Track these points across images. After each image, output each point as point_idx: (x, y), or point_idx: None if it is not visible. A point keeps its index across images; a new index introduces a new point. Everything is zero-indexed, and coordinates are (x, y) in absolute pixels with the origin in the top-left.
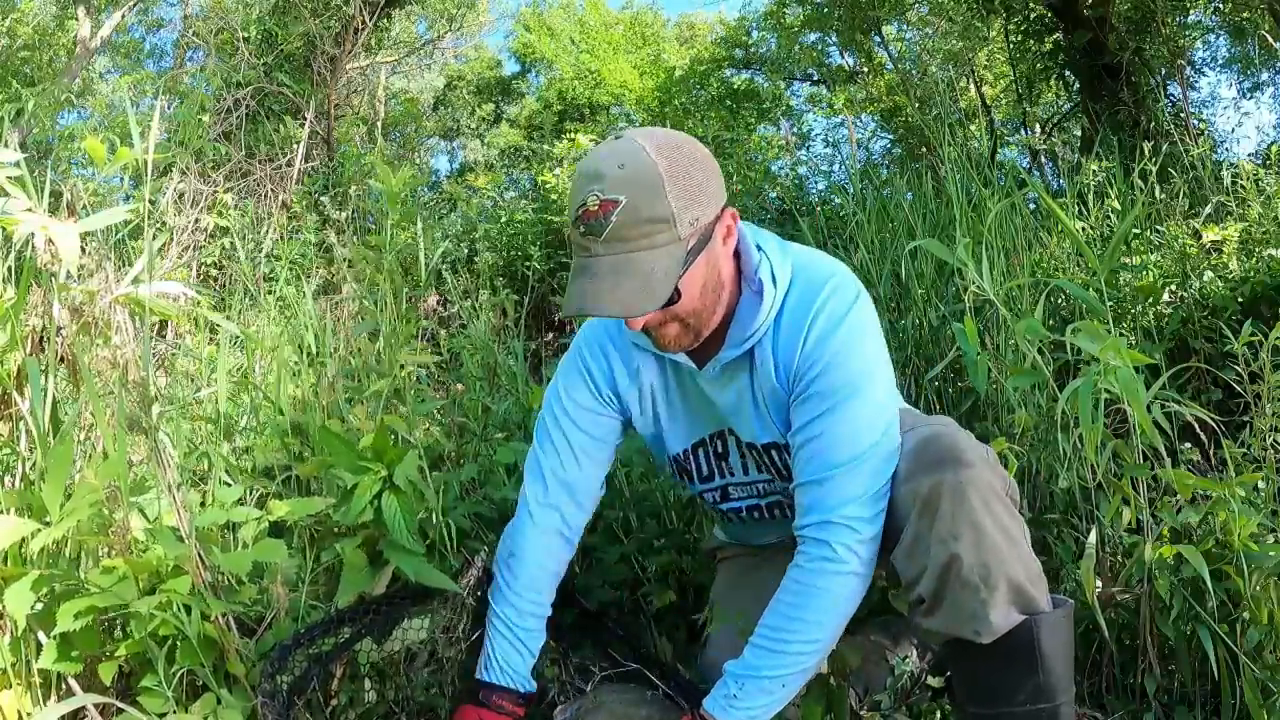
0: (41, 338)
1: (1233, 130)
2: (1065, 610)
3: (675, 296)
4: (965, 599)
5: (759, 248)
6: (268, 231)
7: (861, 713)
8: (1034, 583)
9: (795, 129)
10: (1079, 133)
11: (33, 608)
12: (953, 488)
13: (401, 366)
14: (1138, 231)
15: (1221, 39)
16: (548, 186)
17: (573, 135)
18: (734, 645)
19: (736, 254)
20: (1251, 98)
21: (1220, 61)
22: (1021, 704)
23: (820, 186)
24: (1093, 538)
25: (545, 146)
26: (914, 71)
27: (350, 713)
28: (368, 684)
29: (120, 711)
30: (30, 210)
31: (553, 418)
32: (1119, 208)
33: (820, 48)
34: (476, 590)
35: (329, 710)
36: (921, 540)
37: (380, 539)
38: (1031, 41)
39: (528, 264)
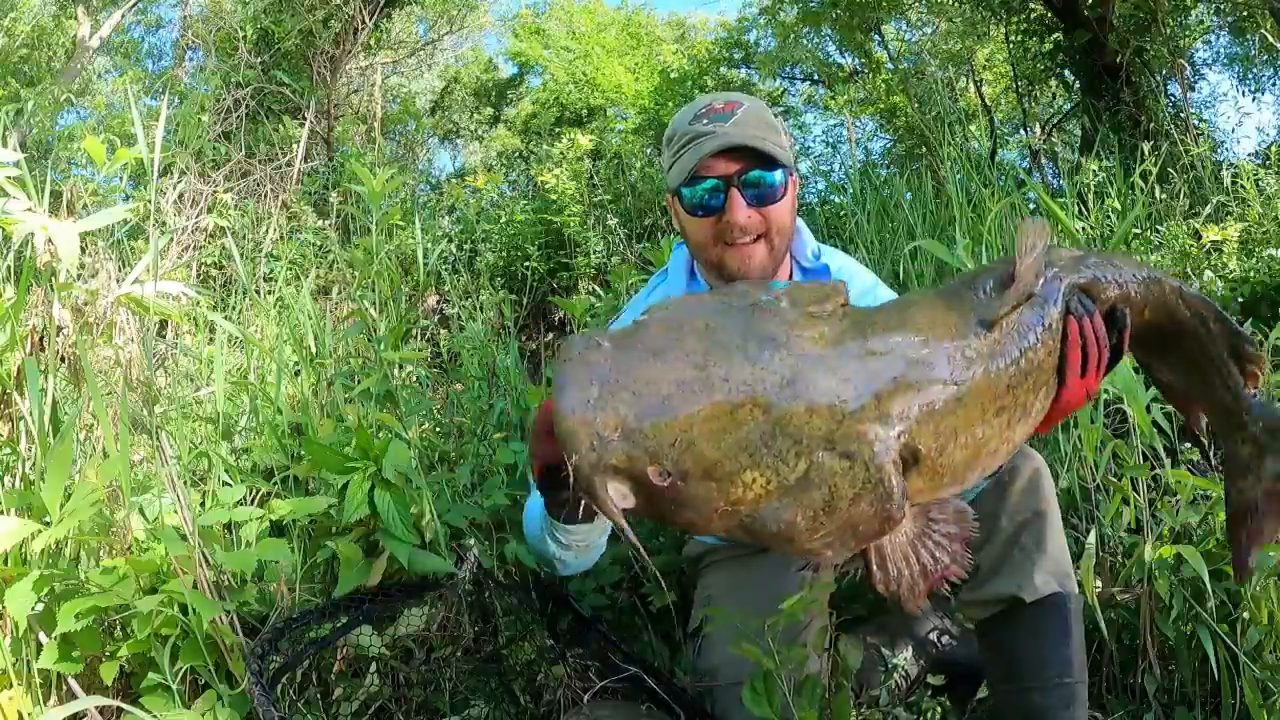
0: (41, 338)
1: (1233, 130)
2: (1082, 598)
3: (782, 190)
4: (1019, 560)
5: (820, 248)
6: (267, 231)
7: (860, 710)
8: (1070, 568)
9: (795, 125)
10: (1079, 133)
11: (33, 608)
12: (1024, 472)
13: (401, 366)
14: (1138, 231)
15: (1222, 38)
16: (546, 187)
17: (572, 136)
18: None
19: None
20: (1252, 98)
21: (1221, 61)
22: (1050, 678)
23: (820, 186)
24: (1092, 538)
25: (545, 147)
26: (914, 71)
27: (349, 705)
28: (372, 678)
29: (121, 711)
30: (30, 210)
31: None
32: (1119, 208)
33: (816, 41)
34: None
35: (329, 706)
36: (992, 516)
37: (375, 531)
38: (1031, 41)
39: (527, 264)
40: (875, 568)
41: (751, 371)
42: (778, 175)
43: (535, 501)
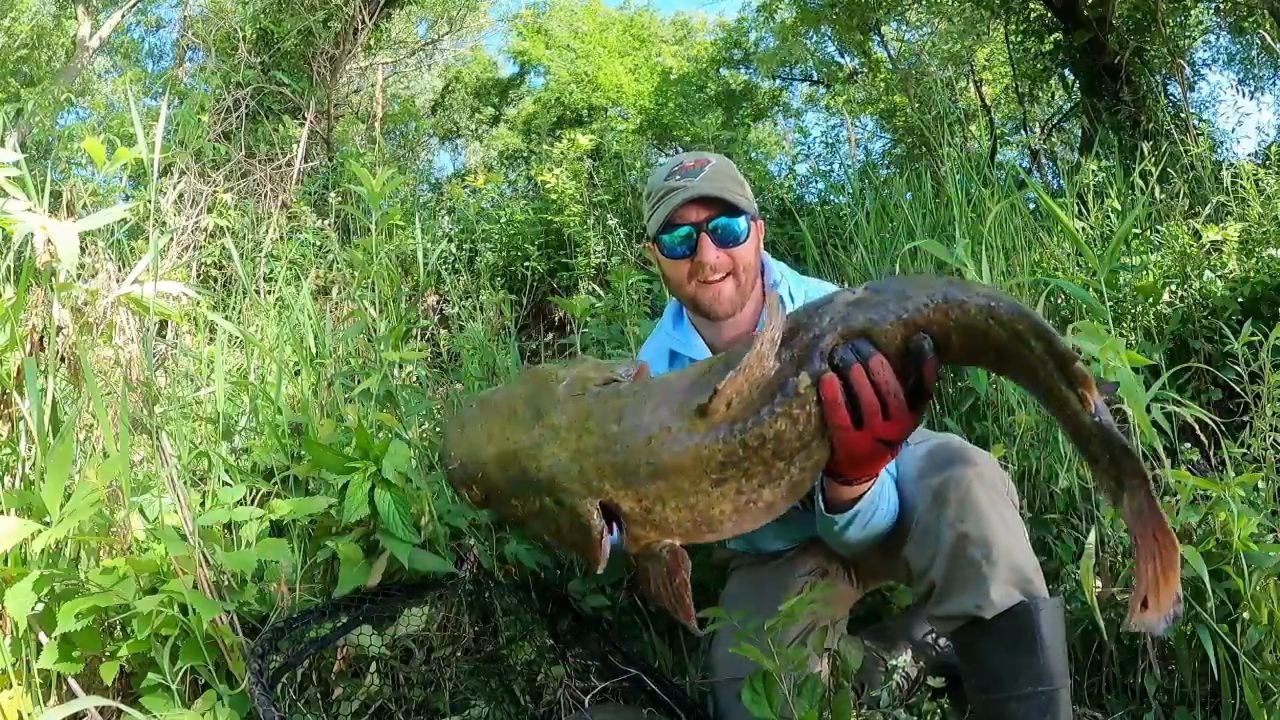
0: (41, 338)
1: (1233, 130)
2: (1059, 600)
3: (745, 234)
4: (970, 576)
5: (781, 274)
6: (267, 231)
7: (860, 711)
8: (1033, 571)
9: (796, 127)
10: (1079, 133)
11: (33, 608)
12: (960, 481)
13: (401, 366)
14: (1138, 231)
15: (1222, 38)
16: (546, 186)
17: (572, 136)
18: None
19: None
20: (1252, 98)
21: (1221, 61)
22: (1023, 687)
23: (820, 186)
24: (1092, 538)
25: (544, 147)
26: (913, 71)
27: (349, 705)
28: (372, 677)
29: (121, 712)
30: (30, 210)
31: None
32: (1119, 208)
33: (816, 41)
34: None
35: (329, 706)
36: (933, 528)
37: (375, 531)
38: (1031, 41)
39: (527, 264)
40: (641, 583)
41: (521, 437)
42: (741, 222)
43: None
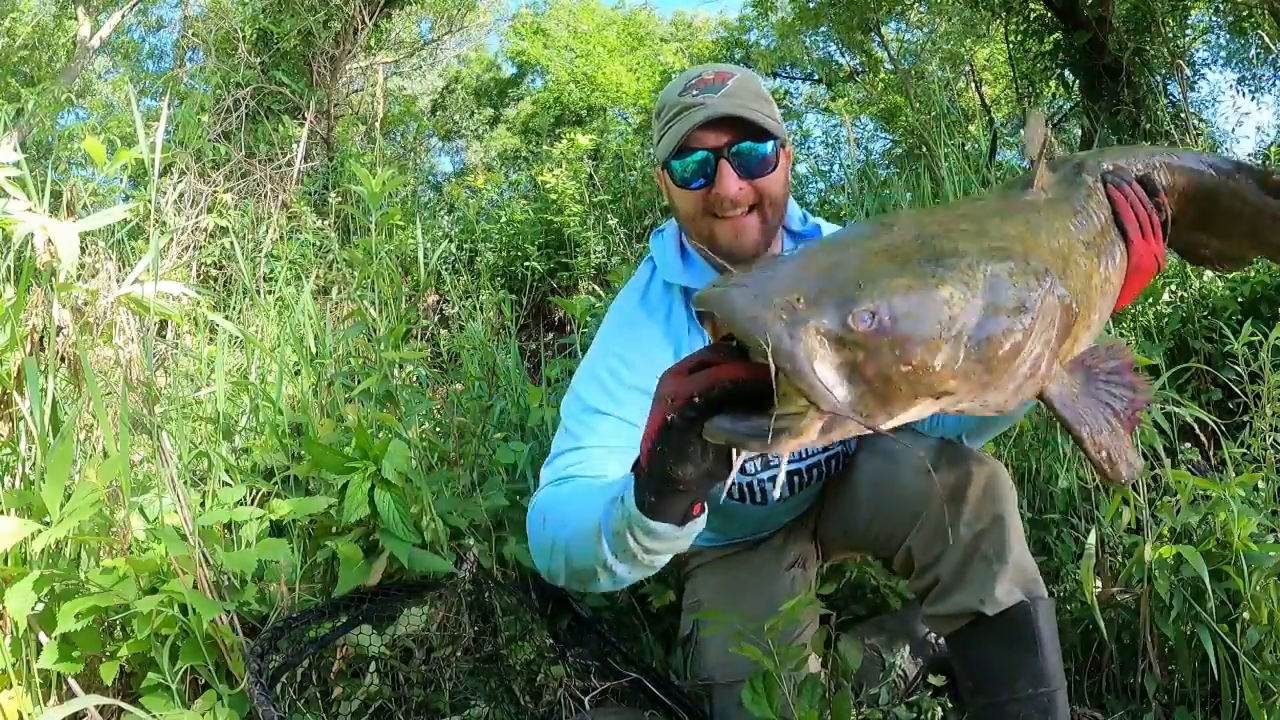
0: (41, 338)
1: (1233, 130)
2: (1052, 601)
3: (773, 162)
4: (980, 573)
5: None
6: (267, 231)
7: (860, 709)
8: (1035, 572)
9: (796, 128)
10: (1079, 133)
11: (33, 608)
12: (977, 479)
13: (401, 366)
14: None
15: (1222, 38)
16: (546, 186)
17: (572, 137)
18: (729, 653)
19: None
20: (1252, 98)
21: (1220, 61)
22: (1022, 689)
23: (820, 186)
24: (1092, 538)
25: (544, 147)
26: (913, 71)
27: (349, 705)
28: (372, 677)
29: (121, 711)
30: (30, 210)
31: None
32: None
33: (815, 40)
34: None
35: (329, 705)
36: (947, 526)
37: (375, 531)
38: (1031, 41)
39: (527, 264)
40: (1081, 437)
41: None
42: (768, 146)
43: (586, 495)
